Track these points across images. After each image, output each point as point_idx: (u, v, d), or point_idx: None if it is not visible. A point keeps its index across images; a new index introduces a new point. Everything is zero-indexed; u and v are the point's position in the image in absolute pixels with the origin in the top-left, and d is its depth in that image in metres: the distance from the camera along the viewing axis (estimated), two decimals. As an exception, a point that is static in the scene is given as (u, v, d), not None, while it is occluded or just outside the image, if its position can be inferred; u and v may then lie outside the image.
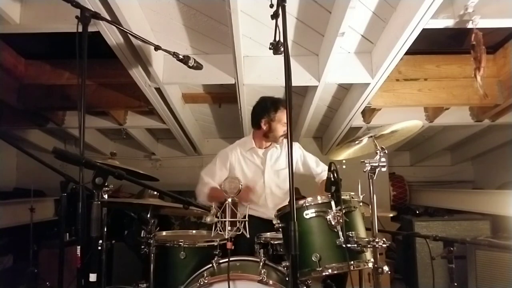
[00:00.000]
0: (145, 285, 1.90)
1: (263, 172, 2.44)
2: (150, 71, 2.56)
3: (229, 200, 1.57)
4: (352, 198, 1.71)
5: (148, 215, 1.95)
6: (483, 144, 4.26)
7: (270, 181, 2.44)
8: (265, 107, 2.40)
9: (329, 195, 1.60)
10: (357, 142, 1.90)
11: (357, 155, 2.01)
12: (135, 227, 3.34)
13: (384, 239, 1.57)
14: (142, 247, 1.94)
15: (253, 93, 3.03)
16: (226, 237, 1.55)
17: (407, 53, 2.28)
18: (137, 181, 1.52)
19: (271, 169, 2.46)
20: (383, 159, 1.68)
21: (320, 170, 2.54)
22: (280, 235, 1.87)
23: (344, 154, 2.03)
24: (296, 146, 2.55)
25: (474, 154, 4.67)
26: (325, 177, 2.52)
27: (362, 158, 1.72)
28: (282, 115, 2.34)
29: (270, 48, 1.54)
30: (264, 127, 2.40)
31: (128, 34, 2.02)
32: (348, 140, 1.90)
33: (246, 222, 1.56)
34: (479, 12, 2.03)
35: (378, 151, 1.71)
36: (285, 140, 2.43)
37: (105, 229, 2.00)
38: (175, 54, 1.92)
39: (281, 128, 2.36)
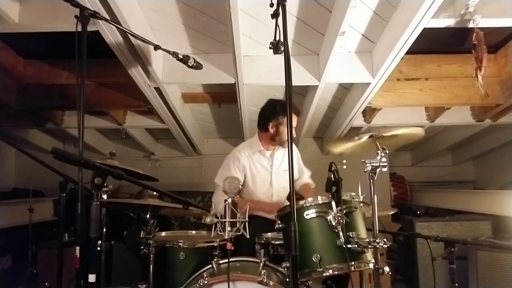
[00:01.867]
0: (144, 286, 1.88)
1: (271, 174, 2.46)
2: (149, 71, 2.56)
3: (229, 200, 1.56)
4: (353, 198, 1.70)
5: (148, 216, 1.94)
6: (485, 144, 4.25)
7: (276, 182, 2.46)
8: (274, 111, 2.39)
9: (330, 196, 1.59)
10: (356, 139, 1.89)
11: (356, 150, 1.99)
12: (134, 227, 3.33)
13: (385, 239, 1.56)
14: (142, 247, 1.92)
15: (253, 93, 3.03)
16: (226, 237, 1.53)
17: (408, 52, 2.27)
18: (136, 181, 1.51)
19: (278, 171, 2.47)
20: (384, 159, 1.67)
21: (300, 175, 2.62)
22: (281, 235, 1.86)
23: (343, 147, 2.02)
24: (295, 149, 2.57)
25: (475, 154, 4.65)
26: (304, 182, 2.56)
27: (362, 156, 1.71)
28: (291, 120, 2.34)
29: (270, 48, 1.53)
30: (271, 130, 2.39)
31: (128, 34, 2.01)
32: (348, 136, 1.89)
33: (246, 223, 1.55)
34: (480, 11, 2.03)
35: (379, 151, 1.70)
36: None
37: (104, 230, 1.98)
38: (174, 54, 1.91)
39: (286, 130, 2.36)
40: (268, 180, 2.45)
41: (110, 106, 3.36)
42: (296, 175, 2.58)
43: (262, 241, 1.97)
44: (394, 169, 4.95)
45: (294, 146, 2.55)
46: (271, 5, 1.44)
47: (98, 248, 1.76)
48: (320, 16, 2.20)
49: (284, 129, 2.35)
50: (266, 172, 2.46)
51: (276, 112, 2.37)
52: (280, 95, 2.88)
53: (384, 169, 1.66)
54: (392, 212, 2.78)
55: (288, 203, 2.40)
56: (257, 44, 2.44)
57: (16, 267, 3.39)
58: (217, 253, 1.92)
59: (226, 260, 1.62)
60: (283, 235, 1.77)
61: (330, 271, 1.54)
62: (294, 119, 2.40)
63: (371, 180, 1.67)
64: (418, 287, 3.46)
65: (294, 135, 2.46)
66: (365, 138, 1.85)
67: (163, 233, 2.25)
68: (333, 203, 1.58)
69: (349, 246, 1.53)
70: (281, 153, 2.50)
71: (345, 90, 3.22)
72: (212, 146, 4.79)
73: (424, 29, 2.00)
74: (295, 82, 2.58)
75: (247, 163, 2.42)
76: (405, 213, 4.36)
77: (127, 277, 2.82)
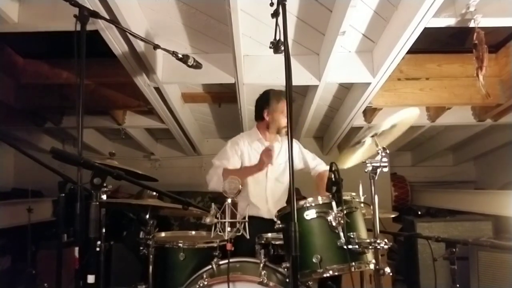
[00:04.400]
0: (144, 286, 1.88)
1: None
2: (149, 71, 2.55)
3: (229, 200, 1.55)
4: (353, 198, 1.69)
5: (147, 216, 1.93)
6: (485, 144, 4.25)
7: (271, 174, 2.45)
8: (267, 98, 2.44)
9: (330, 196, 1.59)
10: (359, 144, 1.87)
11: (363, 159, 1.96)
12: (134, 228, 3.33)
13: (385, 240, 1.55)
14: (141, 248, 1.92)
15: (253, 93, 3.01)
16: (226, 238, 1.53)
17: (408, 52, 2.26)
18: (136, 182, 1.50)
19: (274, 163, 2.44)
20: (384, 159, 1.66)
21: (315, 164, 2.58)
22: (281, 236, 1.85)
23: (351, 161, 1.98)
24: (296, 145, 2.56)
25: (476, 154, 4.66)
26: (320, 170, 2.54)
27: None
28: (284, 106, 2.35)
29: (270, 47, 1.53)
30: (267, 118, 2.44)
31: (127, 33, 2.00)
32: (351, 144, 1.87)
33: (246, 223, 1.55)
34: (481, 11, 2.02)
35: (379, 151, 1.69)
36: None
37: (104, 230, 1.98)
38: (174, 53, 1.91)
39: (283, 118, 2.39)
40: (263, 170, 2.42)
41: (109, 106, 3.36)
42: (299, 167, 2.58)
43: (262, 242, 1.96)
44: (394, 169, 4.95)
45: (295, 140, 2.57)
46: (271, 4, 1.44)
47: (97, 249, 1.75)
48: (320, 15, 2.20)
49: (278, 116, 2.39)
50: None
51: (269, 99, 2.42)
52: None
53: (385, 169, 1.65)
54: (393, 215, 2.77)
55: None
56: (257, 43, 2.44)
57: (15, 267, 3.39)
58: (217, 254, 1.91)
59: (226, 261, 1.61)
60: (283, 236, 1.76)
61: (331, 272, 1.52)
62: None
63: (372, 180, 1.66)
64: (419, 288, 3.45)
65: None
66: (368, 140, 1.83)
67: (163, 234, 2.24)
68: (334, 204, 1.57)
69: (349, 246, 1.52)
70: (278, 146, 2.50)
71: (345, 90, 3.21)
72: (212, 146, 4.78)
73: (425, 28, 2.00)
74: (295, 81, 2.57)
75: (245, 149, 2.44)
76: (406, 213, 4.35)
77: (126, 278, 2.82)
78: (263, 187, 2.45)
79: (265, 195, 2.44)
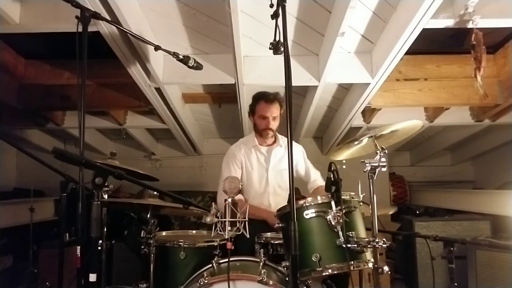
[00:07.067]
0: (145, 285, 1.89)
1: (267, 170, 2.43)
2: (150, 71, 2.56)
3: (229, 200, 1.57)
4: (352, 198, 1.70)
5: (148, 215, 1.94)
6: (484, 144, 4.26)
7: (273, 179, 2.43)
8: (251, 102, 2.45)
9: (329, 195, 1.60)
10: (357, 142, 1.90)
11: (359, 154, 2.00)
12: (135, 227, 3.33)
13: (384, 239, 1.57)
14: (142, 247, 1.93)
15: (253, 93, 3.03)
16: (226, 237, 1.54)
17: (407, 53, 2.28)
18: (137, 181, 1.52)
19: (275, 168, 2.44)
20: (383, 159, 1.68)
21: (316, 177, 2.54)
22: (280, 235, 1.86)
23: (344, 154, 2.02)
24: (299, 148, 2.56)
25: (474, 154, 4.67)
26: (320, 184, 2.49)
27: (362, 158, 1.72)
28: (260, 108, 2.36)
29: (270, 48, 1.54)
30: (251, 122, 2.47)
31: (128, 34, 2.02)
32: (347, 140, 1.89)
33: (246, 222, 1.56)
34: (479, 12, 2.03)
35: (378, 151, 1.70)
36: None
37: (105, 229, 1.99)
38: (175, 54, 1.92)
39: (259, 121, 2.38)
40: (264, 176, 2.42)
41: (110, 106, 3.38)
42: (301, 175, 2.55)
43: (262, 241, 1.98)
44: (393, 169, 4.97)
45: (299, 145, 2.58)
46: (271, 5, 1.45)
47: (99, 248, 1.77)
48: (319, 16, 2.21)
49: (257, 119, 2.40)
50: (262, 168, 2.43)
51: (251, 103, 2.43)
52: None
53: (383, 169, 1.67)
54: (392, 212, 2.79)
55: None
56: (257, 44, 2.45)
57: (17, 266, 3.40)
58: (217, 253, 1.93)
59: (226, 260, 1.62)
60: (283, 235, 1.77)
61: (330, 271, 1.54)
62: (269, 108, 2.33)
63: (371, 180, 1.68)
64: (418, 287, 3.46)
65: (274, 126, 2.38)
66: (365, 140, 1.86)
67: (164, 233, 2.26)
68: (333, 203, 1.58)
69: (348, 245, 1.53)
70: (280, 151, 2.46)
71: (344, 91, 3.23)
72: (212, 146, 4.80)
73: (424, 29, 2.01)
74: (295, 82, 2.59)
75: (243, 158, 2.42)
76: (404, 212, 4.37)
77: (127, 277, 2.82)
78: (265, 192, 2.42)
79: (268, 204, 2.41)
